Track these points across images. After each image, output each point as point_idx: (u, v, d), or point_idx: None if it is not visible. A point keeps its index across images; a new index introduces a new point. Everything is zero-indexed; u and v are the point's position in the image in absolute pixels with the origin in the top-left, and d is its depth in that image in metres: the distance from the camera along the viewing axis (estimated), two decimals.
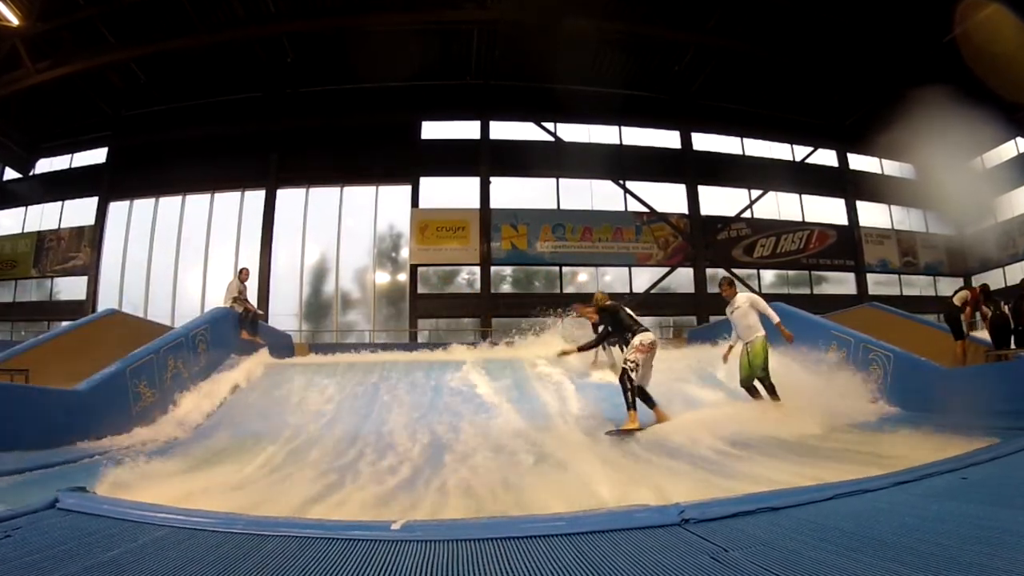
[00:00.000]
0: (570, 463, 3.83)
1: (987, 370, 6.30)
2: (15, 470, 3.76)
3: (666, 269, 16.69)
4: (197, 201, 16.75)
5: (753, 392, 5.68)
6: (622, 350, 5.49)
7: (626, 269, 16.67)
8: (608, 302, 5.67)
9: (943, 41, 13.62)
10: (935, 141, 12.60)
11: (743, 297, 5.84)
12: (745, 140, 18.17)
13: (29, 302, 16.89)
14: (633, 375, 5.10)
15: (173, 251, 16.44)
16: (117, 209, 16.88)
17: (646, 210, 16.93)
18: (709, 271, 16.87)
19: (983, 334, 7.74)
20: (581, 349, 5.96)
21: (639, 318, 5.57)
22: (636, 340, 5.22)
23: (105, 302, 15.59)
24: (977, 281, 8.88)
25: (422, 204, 16.37)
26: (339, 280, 16.27)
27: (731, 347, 6.00)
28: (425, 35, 14.79)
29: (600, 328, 5.90)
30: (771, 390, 5.58)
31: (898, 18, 13.70)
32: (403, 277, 16.28)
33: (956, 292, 8.10)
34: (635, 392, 5.06)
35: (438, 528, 2.08)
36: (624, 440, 4.66)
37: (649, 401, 5.28)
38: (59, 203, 17.22)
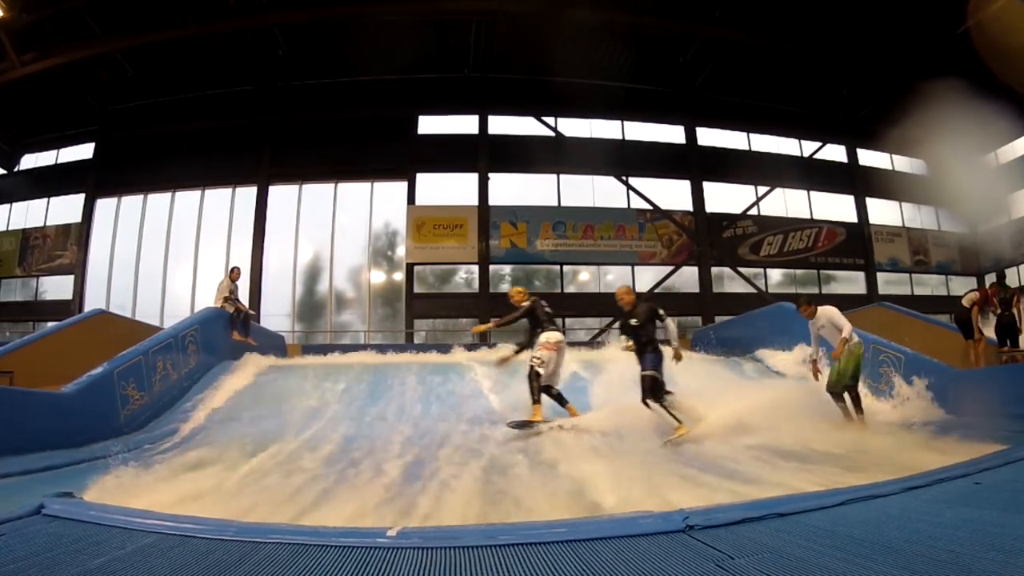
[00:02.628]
0: None
1: (999, 372, 6.31)
2: None
3: (670, 268, 16.69)
4: (187, 198, 16.73)
5: (838, 400, 5.51)
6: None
7: (629, 268, 16.66)
8: (526, 299, 5.87)
9: (956, 33, 13.61)
10: (947, 136, 12.60)
11: (824, 314, 5.67)
12: (752, 135, 18.17)
13: (14, 302, 16.87)
14: (541, 371, 5.41)
15: (162, 249, 16.42)
16: (104, 206, 16.85)
17: (649, 207, 16.92)
18: (715, 270, 16.88)
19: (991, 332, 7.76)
20: (519, 349, 5.97)
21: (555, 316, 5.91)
22: (543, 338, 5.55)
23: (92, 302, 15.58)
24: (990, 281, 8.89)
25: (419, 201, 16.36)
26: (333, 279, 16.26)
27: (816, 361, 5.80)
28: (421, 26, 14.73)
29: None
30: (856, 402, 5.45)
31: (910, 8, 13.68)
32: (399, 276, 16.27)
33: (966, 293, 8.14)
34: (540, 387, 5.41)
35: (435, 534, 2.08)
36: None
37: (561, 400, 5.60)
38: (44, 200, 17.19)
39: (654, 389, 4.96)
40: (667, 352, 5.20)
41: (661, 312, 5.28)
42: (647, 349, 5.13)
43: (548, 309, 5.80)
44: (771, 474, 3.57)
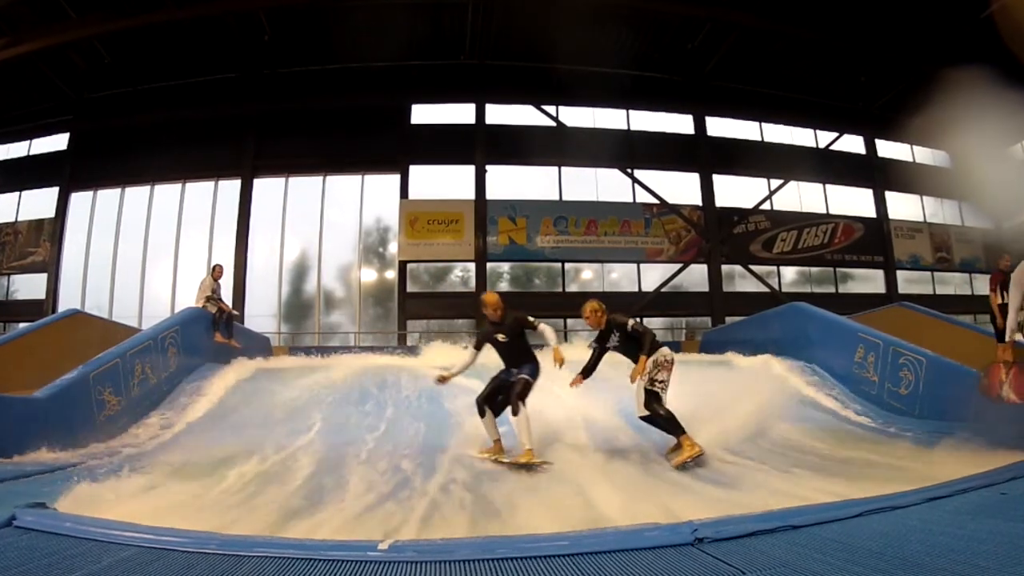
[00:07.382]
0: None
1: None
2: None
3: (678, 265, 16.70)
4: (167, 191, 16.69)
5: None
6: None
7: (634, 266, 16.67)
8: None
9: (980, 17, 13.60)
10: (971, 126, 12.57)
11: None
12: (764, 125, 18.16)
13: None
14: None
15: (140, 246, 16.37)
16: (79, 200, 16.81)
17: (656, 201, 16.92)
18: (725, 268, 16.89)
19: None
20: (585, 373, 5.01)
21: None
22: (659, 355, 4.66)
23: (66, 302, 15.55)
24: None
25: (412, 195, 16.35)
26: (321, 278, 16.25)
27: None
28: (415, 9, 14.71)
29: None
30: None
31: None
32: (391, 274, 16.27)
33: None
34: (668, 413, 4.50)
35: (429, 548, 2.08)
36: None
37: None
38: (16, 193, 17.12)
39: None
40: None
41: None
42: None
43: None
44: None
